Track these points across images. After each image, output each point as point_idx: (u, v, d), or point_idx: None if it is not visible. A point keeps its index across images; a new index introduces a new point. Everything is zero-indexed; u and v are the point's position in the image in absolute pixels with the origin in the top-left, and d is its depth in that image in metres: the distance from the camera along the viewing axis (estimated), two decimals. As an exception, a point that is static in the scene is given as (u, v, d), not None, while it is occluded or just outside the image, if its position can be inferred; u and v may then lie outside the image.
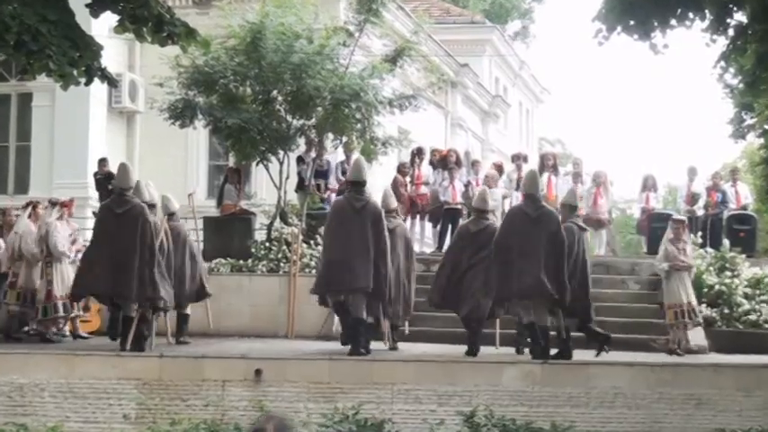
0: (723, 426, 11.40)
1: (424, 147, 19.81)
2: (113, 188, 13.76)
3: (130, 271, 12.40)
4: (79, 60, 11.00)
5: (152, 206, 13.19)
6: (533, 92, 41.77)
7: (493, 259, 12.46)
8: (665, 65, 60.43)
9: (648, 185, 19.33)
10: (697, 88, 76.05)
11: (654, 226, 18.27)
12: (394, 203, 13.76)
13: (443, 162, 19.17)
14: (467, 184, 19.02)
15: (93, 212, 15.45)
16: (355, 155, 17.98)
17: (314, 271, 14.79)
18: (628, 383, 11.78)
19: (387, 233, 12.37)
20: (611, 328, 13.60)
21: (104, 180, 18.60)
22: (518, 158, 20.09)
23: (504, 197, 18.84)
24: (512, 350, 13.25)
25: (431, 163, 19.43)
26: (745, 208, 18.72)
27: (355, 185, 12.62)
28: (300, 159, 17.91)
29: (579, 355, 12.52)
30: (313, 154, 17.76)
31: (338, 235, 12.36)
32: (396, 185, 17.86)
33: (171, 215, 13.78)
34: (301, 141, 17.71)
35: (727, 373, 12.04)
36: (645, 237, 19.38)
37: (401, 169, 18.83)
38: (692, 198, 18.73)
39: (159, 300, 12.64)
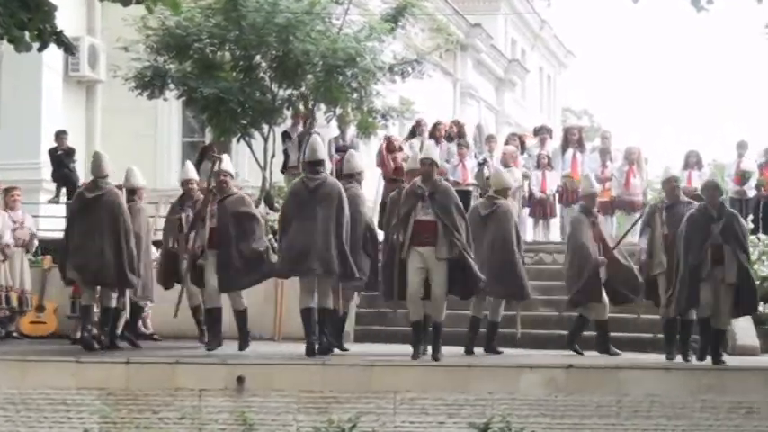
0: (776, 437, 11.50)
1: (425, 120, 19.61)
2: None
3: (109, 257, 12.95)
4: (29, 23, 10.99)
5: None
6: (556, 56, 41.87)
7: None
8: (710, 24, 60.44)
9: (691, 163, 19.28)
10: (747, 52, 75.98)
11: (698, 209, 18.23)
12: (358, 167, 13.78)
13: (448, 136, 19.11)
14: (482, 162, 18.98)
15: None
16: (351, 129, 18.04)
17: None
18: (665, 390, 11.83)
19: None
20: (648, 327, 13.75)
21: (64, 156, 18.64)
22: (542, 131, 20.08)
23: (525, 177, 18.85)
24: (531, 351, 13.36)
25: (432, 136, 19.25)
26: (806, 187, 18.69)
27: (311, 165, 13.07)
28: (287, 135, 17.95)
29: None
30: (300, 128, 17.80)
31: (293, 220, 12.77)
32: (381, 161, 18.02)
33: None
34: (288, 114, 17.77)
35: (781, 378, 12.07)
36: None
37: (390, 146, 18.25)
38: (742, 177, 18.74)
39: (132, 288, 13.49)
